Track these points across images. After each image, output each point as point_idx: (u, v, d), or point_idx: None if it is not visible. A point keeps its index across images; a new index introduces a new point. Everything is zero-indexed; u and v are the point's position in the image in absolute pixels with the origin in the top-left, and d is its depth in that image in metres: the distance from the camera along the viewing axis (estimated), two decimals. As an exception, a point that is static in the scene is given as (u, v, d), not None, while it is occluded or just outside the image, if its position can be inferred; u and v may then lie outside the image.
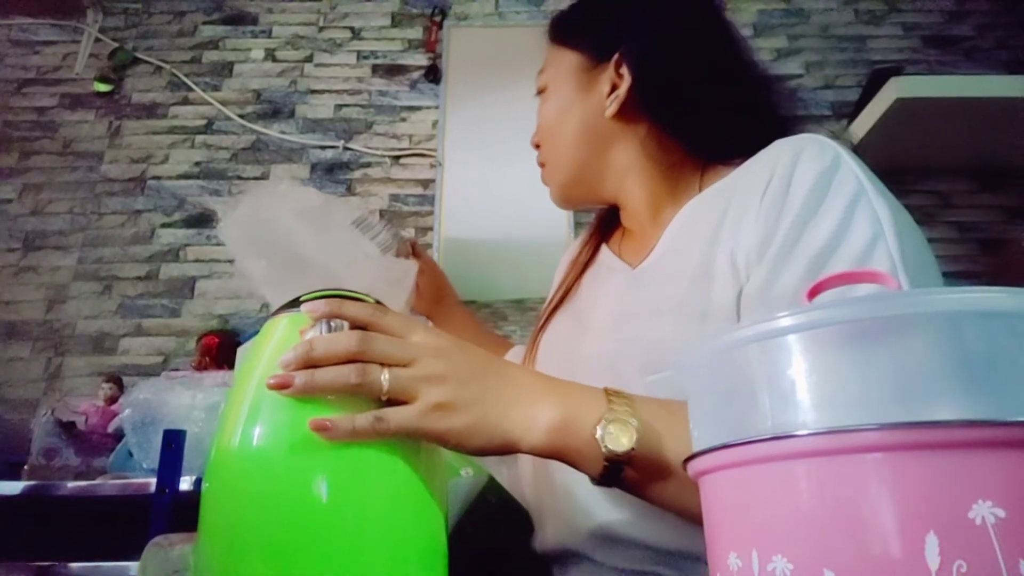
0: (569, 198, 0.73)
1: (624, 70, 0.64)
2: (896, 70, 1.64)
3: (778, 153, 0.55)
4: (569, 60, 0.68)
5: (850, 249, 0.48)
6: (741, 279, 0.53)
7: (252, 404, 0.40)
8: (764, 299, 0.51)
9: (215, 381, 1.09)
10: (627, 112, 0.64)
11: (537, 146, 0.73)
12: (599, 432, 0.42)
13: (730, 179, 0.60)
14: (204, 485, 0.40)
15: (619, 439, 0.42)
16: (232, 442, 0.39)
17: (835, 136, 0.58)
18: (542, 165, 0.73)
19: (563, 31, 0.71)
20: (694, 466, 0.30)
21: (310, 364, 0.39)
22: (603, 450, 0.42)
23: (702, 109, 0.62)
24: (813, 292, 0.32)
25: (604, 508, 0.55)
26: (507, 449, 0.43)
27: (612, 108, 0.64)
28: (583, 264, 0.74)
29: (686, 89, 0.63)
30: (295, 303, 0.43)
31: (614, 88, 0.65)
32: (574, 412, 0.43)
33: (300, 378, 0.38)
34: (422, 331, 0.43)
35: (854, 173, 0.51)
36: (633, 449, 0.41)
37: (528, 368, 0.52)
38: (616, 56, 0.64)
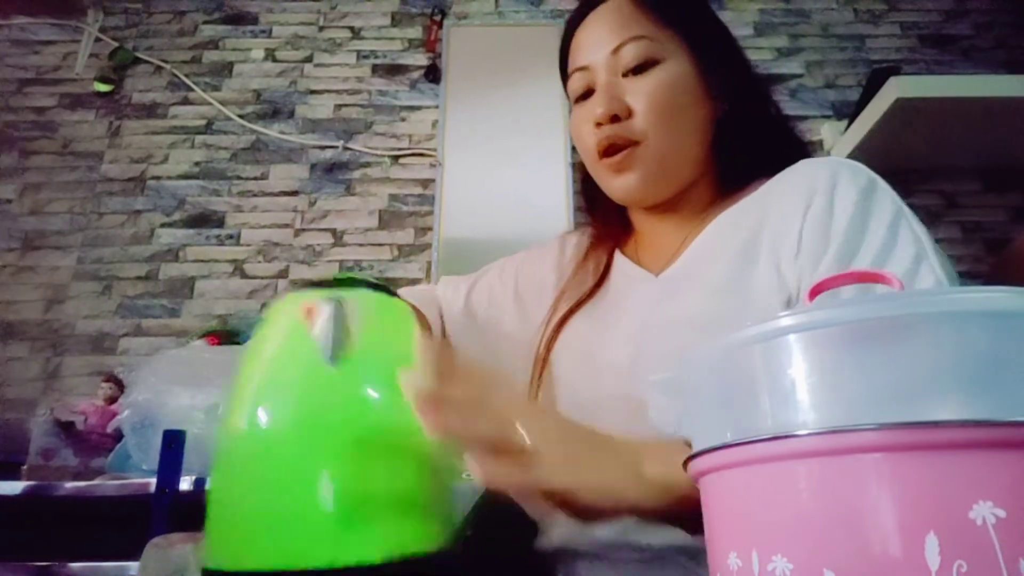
0: (658, 187, 0.65)
1: (721, 98, 0.66)
2: (895, 70, 1.63)
3: (814, 173, 0.57)
4: (685, 60, 0.65)
5: (896, 269, 0.49)
6: (790, 293, 0.55)
7: (261, 385, 0.40)
8: None
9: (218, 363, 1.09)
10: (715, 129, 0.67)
11: (616, 119, 0.62)
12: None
13: (758, 196, 0.62)
14: (213, 471, 0.41)
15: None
16: (240, 424, 0.39)
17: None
18: (635, 143, 0.62)
19: (678, 16, 0.66)
20: (694, 466, 0.30)
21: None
22: None
23: (754, 136, 0.66)
24: (814, 292, 0.32)
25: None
26: (620, 509, 0.42)
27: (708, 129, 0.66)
28: (602, 268, 0.72)
29: (755, 120, 0.67)
30: (312, 284, 0.44)
31: (712, 106, 0.66)
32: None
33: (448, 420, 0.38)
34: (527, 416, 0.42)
35: (890, 194, 0.54)
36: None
37: (621, 436, 0.49)
38: (720, 85, 0.66)
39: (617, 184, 0.64)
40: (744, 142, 0.66)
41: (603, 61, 0.63)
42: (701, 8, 0.70)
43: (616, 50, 0.63)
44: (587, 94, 0.65)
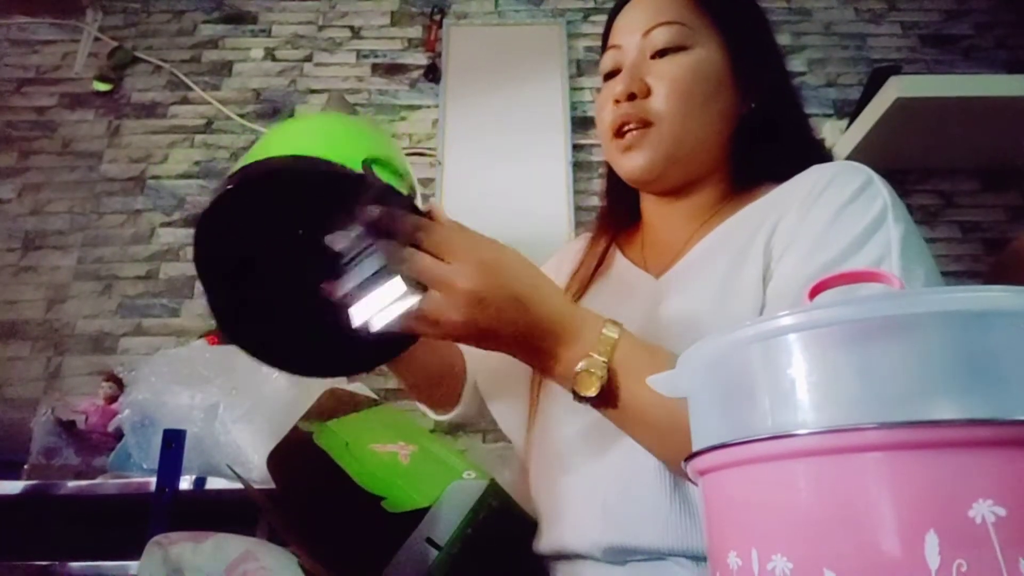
0: (665, 170, 0.64)
1: (750, 94, 0.65)
2: (895, 69, 1.63)
3: (816, 178, 0.58)
4: (717, 50, 0.65)
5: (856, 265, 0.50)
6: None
7: None
8: (769, 301, 0.54)
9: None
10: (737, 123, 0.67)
11: (632, 97, 0.63)
12: (571, 377, 0.50)
13: (765, 201, 0.62)
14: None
15: (587, 388, 0.49)
16: None
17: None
18: (649, 123, 0.63)
19: (718, 7, 0.66)
20: (694, 465, 0.30)
21: None
22: (573, 391, 0.50)
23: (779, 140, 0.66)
24: (814, 292, 0.32)
25: (613, 515, 0.56)
26: None
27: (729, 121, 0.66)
28: (598, 260, 0.72)
29: (782, 128, 0.66)
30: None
31: (738, 101, 0.66)
32: (561, 365, 0.51)
33: (352, 245, 0.46)
34: (465, 262, 0.47)
35: (881, 196, 0.54)
36: (595, 397, 0.49)
37: (545, 319, 0.50)
38: (750, 81, 0.65)
39: (624, 162, 0.65)
40: (765, 142, 0.65)
41: (635, 43, 0.65)
42: (745, 3, 0.69)
43: (647, 32, 0.64)
44: (614, 73, 0.66)
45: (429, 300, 0.47)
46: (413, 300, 0.46)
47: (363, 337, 0.47)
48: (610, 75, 0.67)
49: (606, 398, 0.49)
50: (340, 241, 0.46)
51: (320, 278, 0.47)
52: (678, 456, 0.49)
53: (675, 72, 0.62)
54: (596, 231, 0.76)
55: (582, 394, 0.49)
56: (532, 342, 0.50)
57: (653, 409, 0.48)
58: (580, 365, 0.49)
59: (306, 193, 0.47)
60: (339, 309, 0.47)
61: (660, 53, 0.63)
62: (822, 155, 0.66)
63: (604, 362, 0.49)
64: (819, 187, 0.56)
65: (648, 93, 0.63)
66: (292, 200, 0.47)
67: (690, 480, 0.32)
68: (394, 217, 0.46)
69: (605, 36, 0.71)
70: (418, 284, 0.47)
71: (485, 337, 0.49)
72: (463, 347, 0.83)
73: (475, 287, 0.47)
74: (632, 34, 0.65)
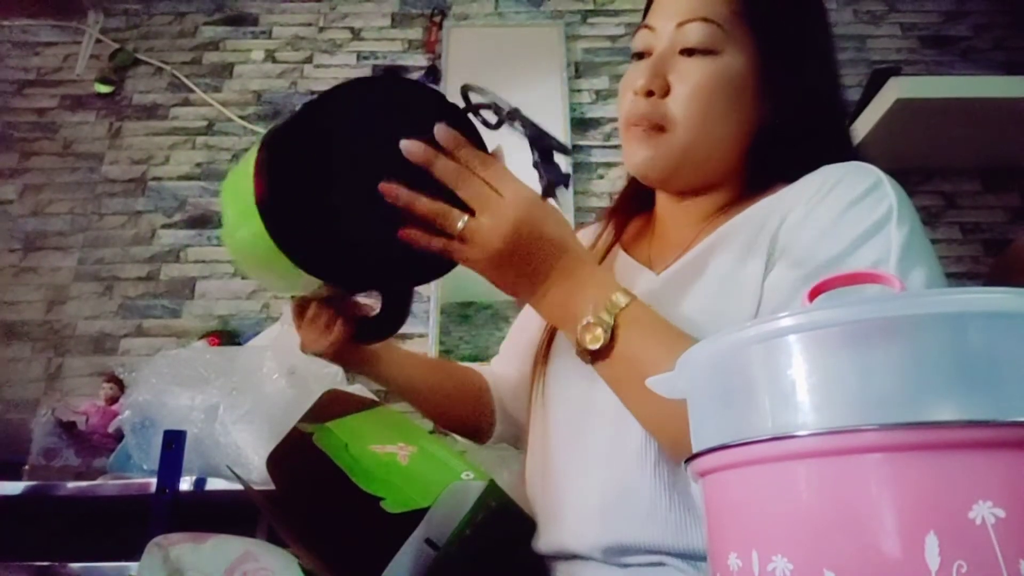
0: (674, 173, 0.64)
1: (773, 105, 0.63)
2: (895, 70, 1.63)
3: (826, 176, 0.57)
4: (748, 59, 0.62)
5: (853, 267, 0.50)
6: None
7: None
8: (765, 294, 0.55)
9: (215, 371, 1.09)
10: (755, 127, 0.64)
11: (651, 94, 0.61)
12: (578, 328, 0.53)
13: (774, 199, 0.61)
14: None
15: (593, 339, 0.52)
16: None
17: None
18: (662, 127, 0.61)
19: (760, 14, 0.62)
20: (695, 466, 0.30)
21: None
22: (577, 341, 0.53)
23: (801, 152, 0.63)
24: (814, 293, 0.32)
25: (612, 516, 0.56)
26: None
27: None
28: (598, 262, 0.71)
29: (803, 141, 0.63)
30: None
31: (762, 112, 0.63)
32: (572, 314, 0.54)
33: (425, 153, 0.52)
34: (517, 196, 0.53)
35: (887, 199, 0.53)
36: (595, 350, 0.52)
37: (571, 265, 0.54)
38: (775, 91, 0.63)
39: (632, 157, 0.64)
40: (785, 147, 0.63)
41: (667, 31, 0.62)
42: (795, 16, 0.65)
43: (682, 24, 0.61)
44: (642, 55, 0.65)
45: (475, 220, 0.51)
46: (460, 219, 0.51)
47: (402, 255, 0.52)
48: (637, 55, 0.65)
49: (606, 355, 0.51)
50: (411, 148, 0.52)
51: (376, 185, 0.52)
52: (675, 432, 0.48)
53: (698, 77, 0.60)
54: (606, 219, 0.76)
55: (586, 348, 0.52)
56: (552, 287, 0.54)
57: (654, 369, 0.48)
58: (589, 318, 0.52)
59: (396, 107, 0.55)
60: (387, 221, 0.52)
61: (689, 52, 0.61)
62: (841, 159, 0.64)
63: (608, 322, 0.51)
64: (827, 186, 0.56)
65: (667, 92, 0.61)
66: (381, 112, 0.55)
67: (685, 464, 0.32)
68: (462, 142, 0.54)
69: (646, 9, 0.68)
70: (467, 209, 0.52)
71: (511, 268, 0.53)
72: (481, 367, 0.84)
73: (522, 218, 0.51)
74: (667, 20, 0.62)
